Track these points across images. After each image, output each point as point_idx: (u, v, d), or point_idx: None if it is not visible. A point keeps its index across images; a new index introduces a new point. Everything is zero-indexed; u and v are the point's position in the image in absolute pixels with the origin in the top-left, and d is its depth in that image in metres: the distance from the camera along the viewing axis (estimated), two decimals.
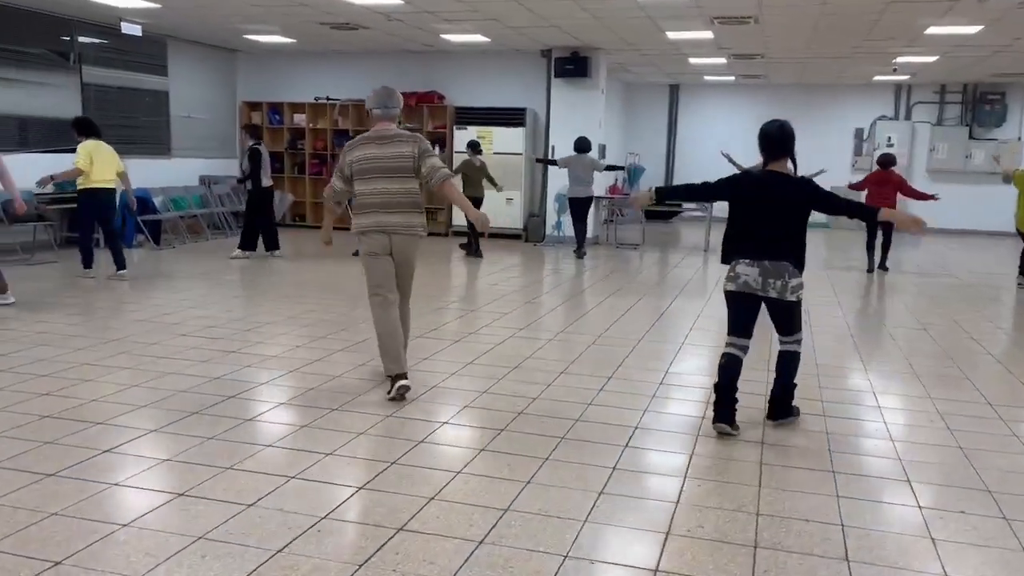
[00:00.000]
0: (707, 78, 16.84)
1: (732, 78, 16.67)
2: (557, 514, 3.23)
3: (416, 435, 4.10)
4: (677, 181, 18.64)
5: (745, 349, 4.31)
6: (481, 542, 2.98)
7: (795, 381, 4.45)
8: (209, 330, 6.24)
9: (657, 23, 10.24)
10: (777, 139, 4.26)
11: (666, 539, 3.07)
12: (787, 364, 4.38)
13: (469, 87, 13.69)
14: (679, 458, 3.92)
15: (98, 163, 8.27)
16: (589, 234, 13.06)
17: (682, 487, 3.55)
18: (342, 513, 3.18)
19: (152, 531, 2.98)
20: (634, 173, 18.04)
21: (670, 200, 4.60)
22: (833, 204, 4.34)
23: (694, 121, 18.54)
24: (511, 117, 13.24)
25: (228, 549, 2.87)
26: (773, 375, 4.46)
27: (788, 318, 4.30)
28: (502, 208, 12.97)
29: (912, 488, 3.63)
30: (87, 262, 8.64)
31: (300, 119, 14.31)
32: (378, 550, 2.90)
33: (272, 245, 10.70)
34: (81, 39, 11.38)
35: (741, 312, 4.30)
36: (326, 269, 9.83)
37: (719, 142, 17.89)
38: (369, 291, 4.76)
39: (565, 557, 2.89)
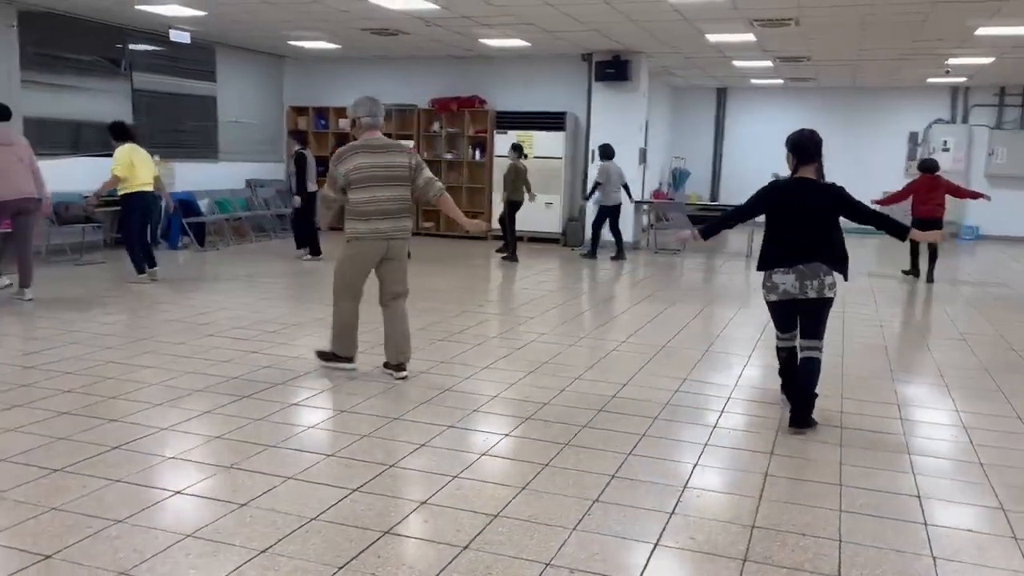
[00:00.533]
0: (754, 81, 16.58)
1: (780, 81, 16.38)
2: (547, 521, 3.20)
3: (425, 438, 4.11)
4: (724, 185, 18.43)
5: (795, 338, 4.53)
6: (465, 547, 2.97)
7: (816, 391, 4.40)
8: (238, 331, 6.36)
9: (695, 25, 10.12)
10: (808, 146, 4.40)
11: (654, 550, 3.02)
12: (810, 372, 4.39)
13: (511, 91, 13.72)
14: (684, 467, 3.86)
15: (138, 166, 8.43)
16: (628, 239, 13.02)
17: (678, 498, 3.49)
18: (332, 515, 3.21)
19: (144, 528, 3.05)
20: (680, 177, 17.86)
21: (715, 234, 4.74)
22: (859, 212, 4.43)
23: (742, 125, 18.26)
24: (551, 121, 13.22)
25: (215, 548, 2.92)
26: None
27: (818, 319, 4.40)
28: (541, 213, 12.96)
29: (922, 506, 3.51)
30: (140, 266, 8.59)
31: (345, 124, 14.48)
32: (360, 552, 2.91)
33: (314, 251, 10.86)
34: (132, 47, 11.73)
35: (784, 316, 4.53)
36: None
37: (767, 146, 17.63)
38: (343, 289, 5.02)
39: (547, 565, 2.86)
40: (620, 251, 11.78)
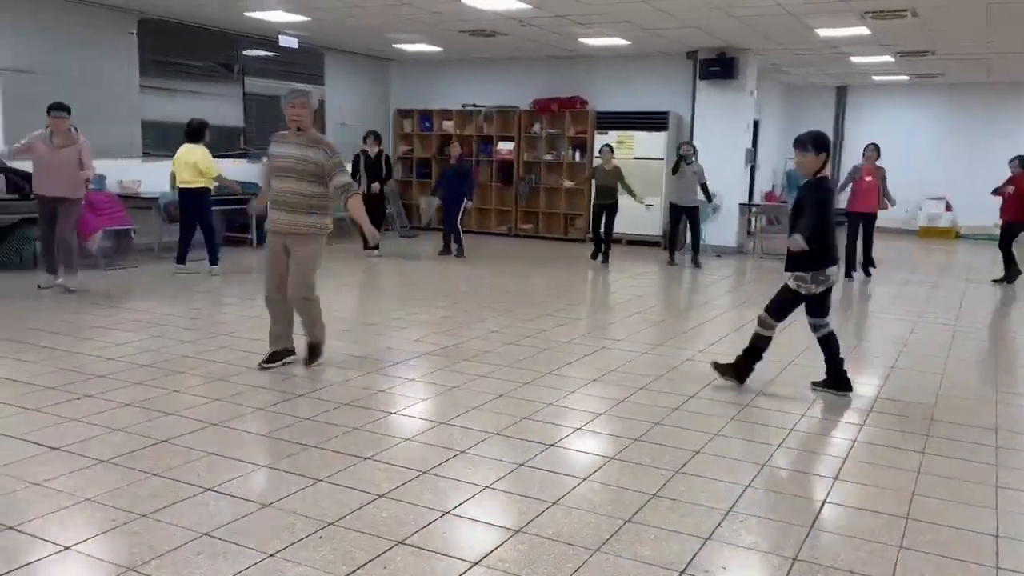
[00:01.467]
0: (876, 78, 15.65)
1: (905, 78, 15.39)
2: (568, 540, 3.03)
3: (458, 446, 4.01)
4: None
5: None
6: (475, 563, 2.84)
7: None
8: None
9: (801, 20, 9.60)
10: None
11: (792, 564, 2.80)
12: (836, 340, 5.06)
13: (612, 91, 13.46)
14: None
15: (176, 164, 8.74)
16: (734, 243, 12.58)
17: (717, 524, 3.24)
18: (350, 521, 3.15)
19: (164, 524, 3.08)
20: (792, 179, 17.08)
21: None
22: (804, 212, 4.73)
23: (863, 124, 17.27)
24: (653, 121, 12.89)
25: (225, 548, 2.91)
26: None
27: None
28: (640, 215, 12.64)
29: None
30: (213, 258, 9.09)
31: (448, 126, 14.63)
32: (368, 562, 2.83)
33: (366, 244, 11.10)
34: (245, 52, 12.21)
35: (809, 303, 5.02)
36: (432, 271, 9.98)
37: (892, 146, 16.65)
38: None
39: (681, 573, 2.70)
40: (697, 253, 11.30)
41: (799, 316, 5.12)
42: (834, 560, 2.95)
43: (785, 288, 4.89)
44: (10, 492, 3.30)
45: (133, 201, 10.14)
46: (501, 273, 10.03)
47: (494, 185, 14.34)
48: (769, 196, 16.39)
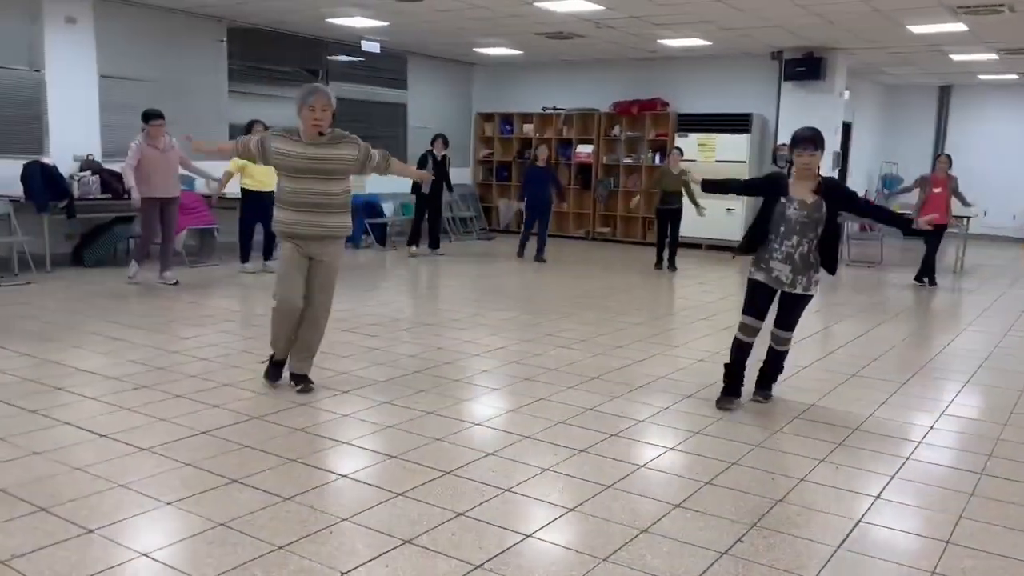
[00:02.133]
0: (981, 77, 14.81)
1: (1013, 76, 14.51)
2: (589, 551, 2.97)
3: (489, 448, 3.99)
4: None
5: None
6: (478, 566, 2.82)
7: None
8: (372, 327, 6.56)
9: (889, 16, 9.17)
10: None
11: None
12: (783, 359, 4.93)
13: (694, 93, 13.21)
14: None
15: (249, 167, 8.74)
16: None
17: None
18: (363, 518, 3.17)
19: (184, 512, 3.17)
20: (890, 183, 16.35)
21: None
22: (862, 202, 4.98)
23: (969, 125, 16.40)
24: (736, 123, 12.57)
25: (237, 538, 2.97)
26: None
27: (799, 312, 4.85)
28: (721, 219, 12.34)
29: None
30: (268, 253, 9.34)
31: (529, 129, 14.65)
32: (371, 559, 2.84)
33: (428, 242, 11.37)
34: (329, 57, 12.55)
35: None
36: (496, 271, 9.98)
37: (1001, 148, 15.77)
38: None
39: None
40: None
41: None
42: None
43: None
44: (51, 475, 3.47)
45: (221, 201, 10.52)
46: (578, 277, 9.96)
47: (572, 188, 14.26)
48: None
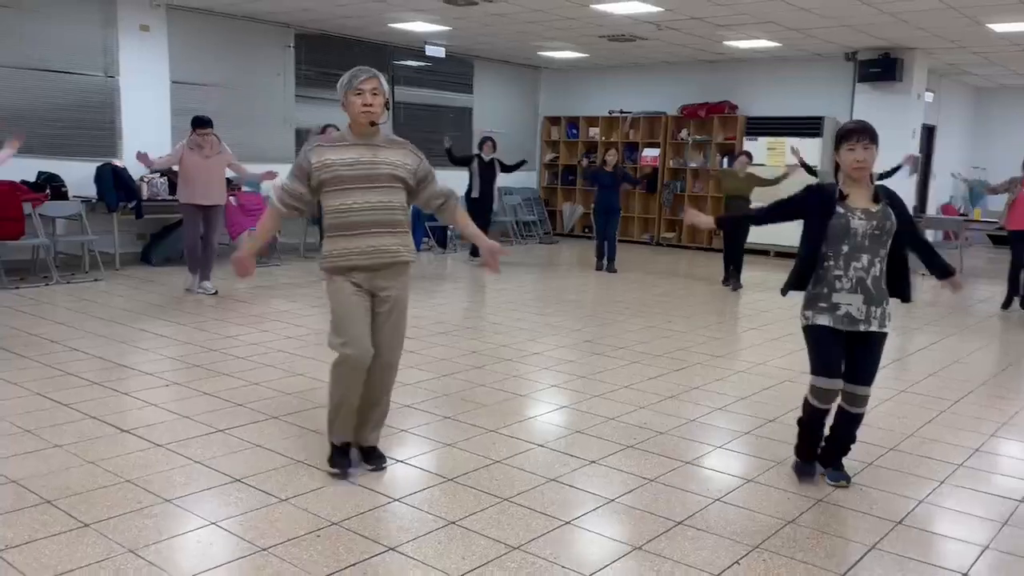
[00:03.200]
0: None
1: None
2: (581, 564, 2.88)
3: (498, 455, 3.93)
4: None
5: None
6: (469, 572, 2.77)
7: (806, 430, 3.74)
8: (415, 329, 6.58)
9: (965, 13, 8.71)
10: None
11: None
12: None
13: (764, 96, 12.84)
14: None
15: None
16: None
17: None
18: (354, 523, 3.15)
19: (181, 510, 3.22)
20: (975, 192, 15.54)
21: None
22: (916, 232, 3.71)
23: None
24: (807, 126, 12.15)
25: (225, 538, 3.00)
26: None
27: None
28: (787, 225, 11.90)
29: None
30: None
31: (595, 132, 14.52)
32: (350, 566, 2.82)
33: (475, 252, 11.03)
34: (395, 62, 12.70)
35: None
36: (570, 283, 9.87)
37: None
38: None
39: None
40: None
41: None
42: None
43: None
44: (65, 469, 3.58)
45: None
46: (646, 287, 9.80)
47: (638, 192, 14.06)
48: (946, 208, 15.01)
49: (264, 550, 2.92)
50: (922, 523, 3.34)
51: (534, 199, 14.76)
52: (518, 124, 14.97)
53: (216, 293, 7.89)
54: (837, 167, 3.57)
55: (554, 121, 15.09)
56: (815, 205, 3.53)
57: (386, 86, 3.56)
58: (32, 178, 8.68)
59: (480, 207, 11.02)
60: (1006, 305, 8.76)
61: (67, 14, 9.09)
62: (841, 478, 3.67)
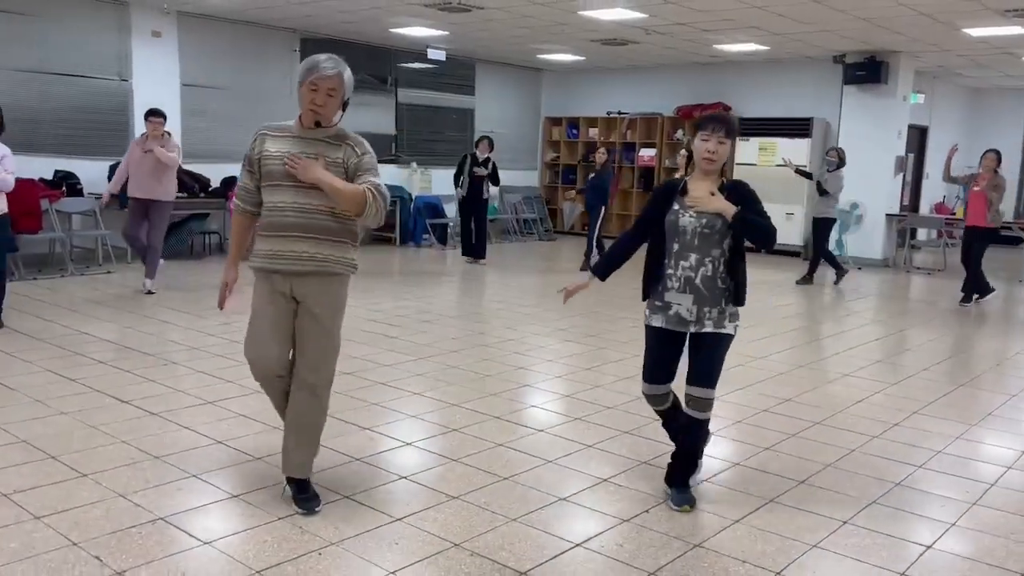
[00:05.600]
0: None
1: None
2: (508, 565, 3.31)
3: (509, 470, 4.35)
4: None
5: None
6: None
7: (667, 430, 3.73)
8: (385, 324, 7.04)
9: (938, 19, 9.04)
10: None
11: None
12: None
13: (757, 97, 13.20)
14: None
15: None
16: (879, 256, 11.98)
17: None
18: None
19: (168, 464, 3.68)
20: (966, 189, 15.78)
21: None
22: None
23: None
24: (796, 127, 12.51)
25: (205, 488, 3.45)
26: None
27: None
28: (780, 223, 12.24)
29: None
30: None
31: (593, 133, 14.92)
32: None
33: (473, 251, 11.11)
34: (399, 65, 13.17)
35: None
36: (542, 280, 10.29)
37: None
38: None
39: None
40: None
41: None
42: None
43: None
44: (69, 431, 4.05)
45: None
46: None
47: (635, 191, 14.45)
48: (939, 207, 15.29)
49: (234, 496, 3.37)
50: (894, 503, 3.60)
51: (535, 197, 15.19)
52: (520, 125, 15.39)
53: (152, 293, 7.68)
54: (690, 156, 3.48)
55: (555, 122, 15.51)
56: (660, 201, 3.41)
57: (349, 84, 3.22)
58: (49, 176, 9.22)
59: (471, 204, 11.03)
60: (965, 299, 8.96)
61: (84, 21, 9.63)
62: (684, 502, 3.41)
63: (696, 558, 3.00)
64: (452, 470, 3.76)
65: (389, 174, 12.96)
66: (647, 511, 3.38)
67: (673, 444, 3.65)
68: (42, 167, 9.17)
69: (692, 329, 3.35)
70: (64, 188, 9.15)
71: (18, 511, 3.16)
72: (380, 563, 2.89)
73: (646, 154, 14.29)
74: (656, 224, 3.40)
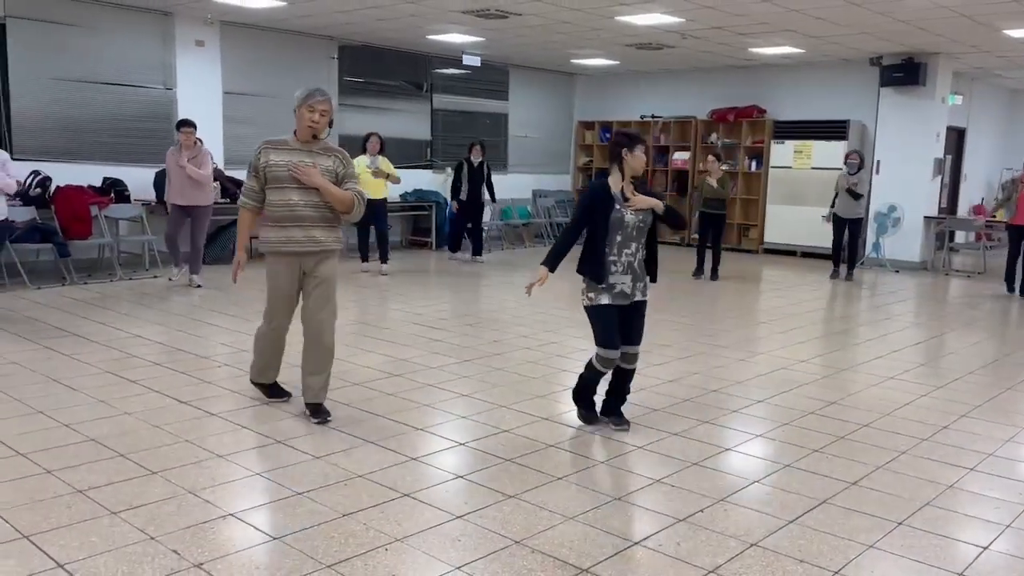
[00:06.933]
0: None
1: None
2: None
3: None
4: None
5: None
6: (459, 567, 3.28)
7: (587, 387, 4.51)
8: (412, 326, 7.14)
9: (979, 20, 8.98)
10: (611, 148, 4.36)
11: None
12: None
13: (792, 100, 13.15)
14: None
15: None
16: (917, 258, 11.89)
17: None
18: (375, 475, 3.69)
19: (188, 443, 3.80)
20: (1008, 192, 15.58)
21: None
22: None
23: None
24: (832, 130, 12.46)
25: (267, 485, 3.56)
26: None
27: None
28: (815, 226, 12.22)
29: None
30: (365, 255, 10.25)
31: None
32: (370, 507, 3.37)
33: (475, 251, 11.59)
34: (434, 71, 13.31)
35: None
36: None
37: None
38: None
39: None
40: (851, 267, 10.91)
41: None
42: None
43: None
44: (135, 431, 4.19)
45: None
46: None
47: (668, 195, 14.46)
48: (978, 209, 15.11)
49: (299, 494, 3.48)
50: (947, 505, 3.62)
51: (568, 201, 15.24)
52: (553, 129, 15.47)
53: (200, 287, 8.45)
54: (621, 167, 4.25)
55: (588, 126, 15.56)
56: (601, 199, 4.23)
57: (333, 108, 4.40)
58: (98, 183, 9.45)
59: (470, 208, 11.40)
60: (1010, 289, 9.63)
61: (130, 32, 9.86)
62: (622, 423, 4.46)
63: (753, 557, 3.05)
64: (506, 470, 3.84)
65: (424, 179, 13.10)
66: (702, 511, 3.44)
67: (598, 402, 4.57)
68: (91, 174, 9.41)
69: (628, 301, 4.29)
70: (112, 195, 9.37)
71: (95, 507, 3.28)
72: (444, 559, 2.97)
73: (679, 158, 14.29)
74: (596, 222, 4.22)
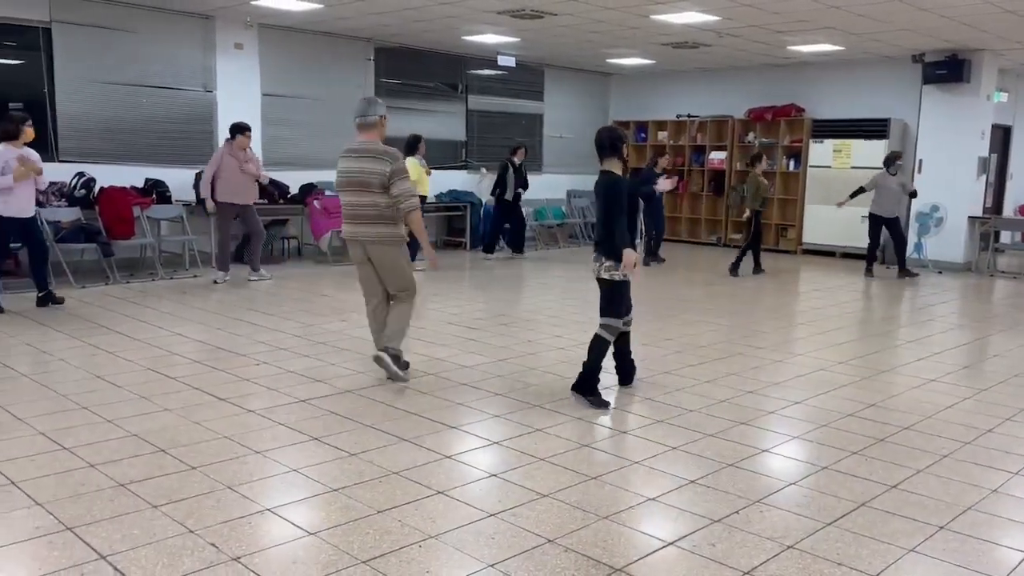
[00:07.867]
0: None
1: None
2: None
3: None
4: None
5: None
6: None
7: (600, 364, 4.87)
8: (450, 326, 7.14)
9: (1022, 15, 8.78)
10: (601, 142, 4.96)
11: None
12: (591, 345, 4.87)
13: (831, 98, 12.97)
14: None
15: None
16: (960, 259, 11.67)
17: None
18: (409, 472, 3.72)
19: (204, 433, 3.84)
20: None
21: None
22: (601, 209, 4.88)
23: None
24: (873, 129, 12.26)
25: (303, 481, 3.60)
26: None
27: (602, 296, 4.92)
28: (855, 227, 12.05)
29: None
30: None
31: (663, 136, 14.86)
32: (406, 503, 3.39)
33: (517, 249, 12.03)
34: (469, 72, 13.35)
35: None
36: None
37: None
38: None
39: None
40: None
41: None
42: None
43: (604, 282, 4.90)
44: (175, 426, 4.26)
45: None
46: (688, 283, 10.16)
47: (705, 195, 14.36)
48: (1023, 209, 14.78)
49: (335, 490, 3.51)
50: (990, 509, 3.58)
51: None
52: (588, 129, 15.35)
53: (269, 279, 9.09)
54: (623, 158, 4.97)
55: (623, 126, 15.47)
56: (630, 189, 4.95)
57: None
58: (140, 184, 9.63)
59: (512, 208, 11.78)
60: None
61: (172, 37, 10.04)
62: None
63: (790, 559, 3.01)
64: (539, 469, 3.83)
65: (459, 180, 13.15)
66: (737, 512, 3.40)
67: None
68: (133, 175, 9.59)
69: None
70: (154, 195, 9.54)
71: (136, 500, 3.35)
72: (479, 556, 2.98)
73: (716, 157, 14.17)
74: (631, 206, 4.81)
